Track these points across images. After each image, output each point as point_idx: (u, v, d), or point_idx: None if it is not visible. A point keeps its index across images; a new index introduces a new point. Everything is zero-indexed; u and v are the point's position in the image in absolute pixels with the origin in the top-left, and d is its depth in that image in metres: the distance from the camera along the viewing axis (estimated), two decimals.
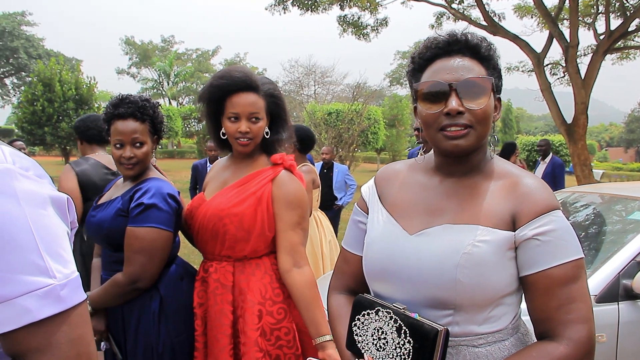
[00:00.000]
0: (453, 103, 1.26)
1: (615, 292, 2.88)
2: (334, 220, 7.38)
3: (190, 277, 2.36)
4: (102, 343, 2.35)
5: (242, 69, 2.25)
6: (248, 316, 2.13)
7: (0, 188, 0.90)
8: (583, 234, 3.90)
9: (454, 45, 1.34)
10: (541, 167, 8.33)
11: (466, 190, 1.35)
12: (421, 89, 1.33)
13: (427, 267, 1.28)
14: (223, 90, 2.17)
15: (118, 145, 2.27)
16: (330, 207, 7.47)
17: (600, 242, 3.61)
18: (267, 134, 2.26)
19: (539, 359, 1.21)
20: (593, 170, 14.01)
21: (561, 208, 1.29)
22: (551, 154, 8.40)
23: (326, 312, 1.69)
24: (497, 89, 1.36)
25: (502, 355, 1.29)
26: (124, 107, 2.27)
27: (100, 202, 2.38)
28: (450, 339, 1.27)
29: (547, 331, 1.25)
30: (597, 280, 2.94)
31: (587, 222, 4.06)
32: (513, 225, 1.27)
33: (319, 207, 5.80)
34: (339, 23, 14.75)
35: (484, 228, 1.27)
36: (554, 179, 7.91)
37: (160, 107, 2.41)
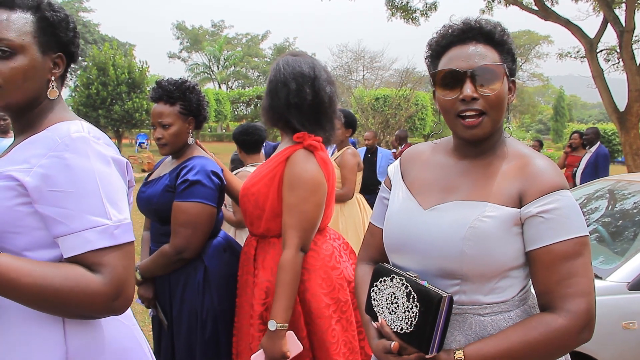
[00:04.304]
0: (467, 90, 1.35)
1: None
2: None
3: (232, 250, 2.53)
4: (150, 310, 2.54)
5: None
6: (257, 291, 2.22)
7: (78, 150, 1.26)
8: (622, 222, 3.89)
9: (469, 33, 1.42)
10: (586, 156, 8.18)
11: (480, 170, 1.45)
12: (438, 76, 1.42)
13: (437, 240, 1.39)
14: None
15: (153, 127, 2.49)
16: (374, 191, 7.56)
17: (638, 231, 3.60)
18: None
19: (539, 329, 1.30)
20: None
21: (568, 188, 1.37)
22: (599, 143, 8.19)
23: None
24: (511, 73, 1.44)
25: (506, 325, 1.38)
26: (154, 92, 2.47)
27: (149, 179, 2.57)
28: (457, 307, 1.37)
29: (548, 303, 1.34)
30: (630, 268, 2.96)
31: (629, 210, 4.04)
32: (520, 202, 1.35)
33: (361, 191, 5.91)
34: (387, 7, 14.64)
35: (491, 205, 1.36)
36: (596, 168, 7.77)
37: (195, 88, 2.53)
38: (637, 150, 10.60)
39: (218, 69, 55.41)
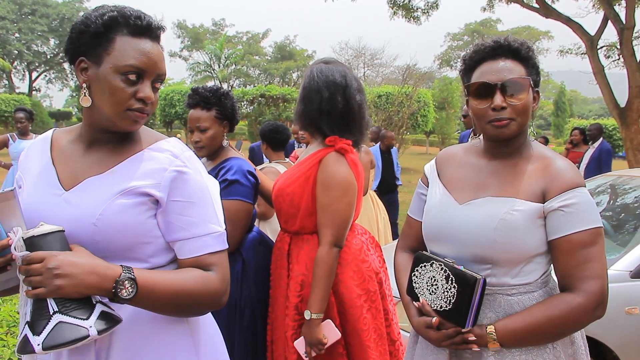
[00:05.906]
0: (498, 100, 1.56)
1: None
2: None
3: (265, 244, 2.73)
4: None
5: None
6: (292, 284, 2.38)
7: (192, 166, 1.44)
8: (623, 215, 4.09)
9: (498, 50, 1.63)
10: (589, 152, 8.34)
11: (508, 169, 1.66)
12: (472, 88, 1.63)
13: (471, 230, 1.61)
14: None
15: (190, 131, 2.67)
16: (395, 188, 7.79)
17: (638, 224, 3.79)
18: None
19: (560, 306, 1.52)
20: None
21: (585, 186, 1.58)
22: (602, 139, 8.35)
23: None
24: (535, 84, 1.65)
25: (531, 304, 1.59)
26: (191, 98, 2.65)
27: None
28: (488, 288, 1.58)
29: (567, 284, 1.56)
30: (633, 257, 3.16)
31: (630, 204, 4.23)
32: (543, 198, 1.57)
33: (383, 189, 6.09)
34: (389, 5, 14.78)
35: (519, 200, 1.58)
36: (600, 164, 7.95)
37: (230, 94, 2.70)
38: (638, 146, 10.75)
39: (219, 67, 55.23)
